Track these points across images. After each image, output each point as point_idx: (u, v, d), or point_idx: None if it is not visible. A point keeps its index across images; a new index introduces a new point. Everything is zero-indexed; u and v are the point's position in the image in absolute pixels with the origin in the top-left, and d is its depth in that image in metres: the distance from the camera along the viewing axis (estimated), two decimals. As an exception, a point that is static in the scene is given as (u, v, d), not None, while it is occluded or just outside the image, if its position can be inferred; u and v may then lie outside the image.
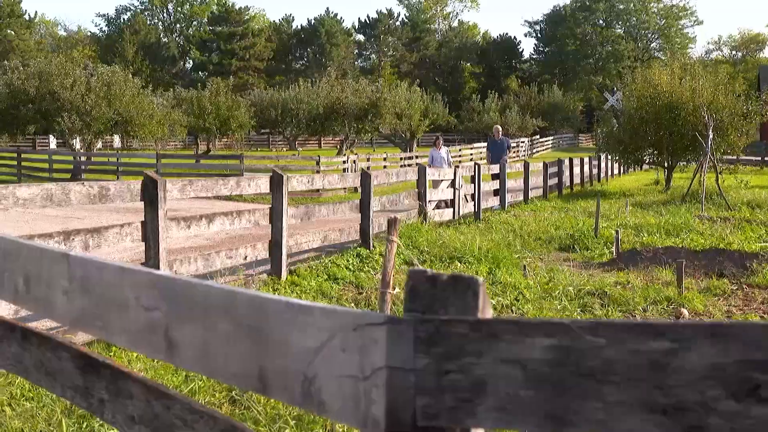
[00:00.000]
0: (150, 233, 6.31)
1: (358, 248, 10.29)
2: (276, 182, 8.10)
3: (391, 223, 4.10)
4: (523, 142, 55.18)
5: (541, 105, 68.46)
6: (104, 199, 5.94)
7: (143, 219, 6.36)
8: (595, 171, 30.54)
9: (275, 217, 8.13)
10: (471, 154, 43.45)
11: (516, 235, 12.40)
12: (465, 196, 14.88)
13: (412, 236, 11.42)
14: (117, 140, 52.23)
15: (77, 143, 32.66)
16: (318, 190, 20.57)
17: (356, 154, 33.53)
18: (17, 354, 2.41)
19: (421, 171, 12.78)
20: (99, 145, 35.93)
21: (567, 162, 24.82)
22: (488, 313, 1.33)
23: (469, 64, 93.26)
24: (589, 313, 7.59)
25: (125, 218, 14.88)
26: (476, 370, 1.25)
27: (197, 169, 29.03)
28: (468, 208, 15.13)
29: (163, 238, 6.34)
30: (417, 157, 37.16)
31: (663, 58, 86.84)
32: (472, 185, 15.30)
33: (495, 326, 1.25)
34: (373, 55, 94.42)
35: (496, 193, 17.50)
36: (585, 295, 8.19)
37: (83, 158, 29.99)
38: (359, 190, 10.97)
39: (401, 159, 36.69)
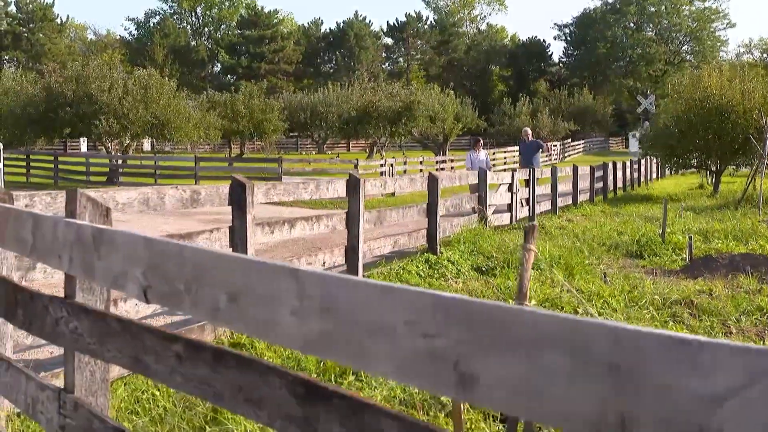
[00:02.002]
0: (238, 239, 6.09)
1: (426, 254, 10.02)
2: (352, 186, 7.87)
3: (529, 231, 3.83)
4: (555, 145, 54.68)
5: (571, 108, 67.92)
6: (195, 203, 5.74)
7: (231, 224, 6.14)
8: (635, 175, 30.09)
9: (351, 221, 7.90)
10: (504, 158, 43.12)
11: (579, 241, 12.07)
12: (521, 200, 14.58)
13: (476, 241, 11.14)
14: (147, 144, 52.42)
15: (110, 146, 32.71)
16: (393, 193, 20.91)
17: (393, 157, 33.26)
18: (206, 377, 2.17)
19: (482, 175, 12.49)
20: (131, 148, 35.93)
21: (611, 166, 24.44)
22: None
23: (497, 68, 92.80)
24: (680, 324, 7.27)
25: (185, 224, 14.75)
26: None
27: (234, 172, 28.87)
28: (522, 212, 14.83)
29: (251, 243, 6.12)
30: (453, 160, 36.88)
31: (694, 61, 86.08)
32: (527, 189, 15.00)
33: None
34: (401, 59, 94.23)
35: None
36: (672, 304, 7.87)
37: (119, 161, 30.01)
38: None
39: (436, 162, 36.44)
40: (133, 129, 30.17)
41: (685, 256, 10.75)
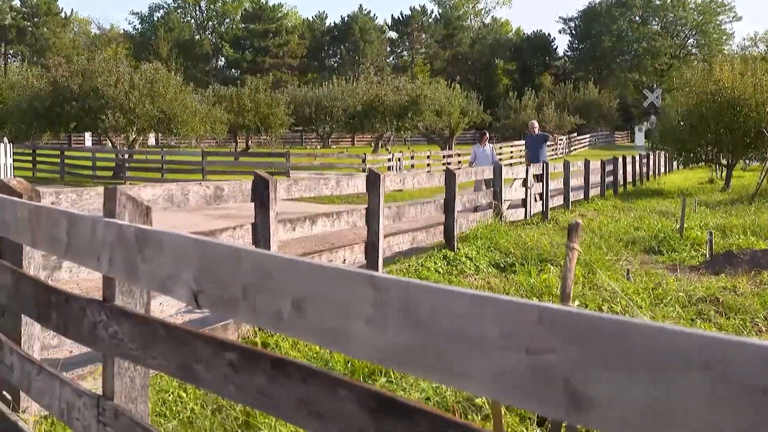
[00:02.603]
0: (261, 236, 5.97)
1: (444, 250, 9.90)
2: (372, 182, 7.74)
3: (573, 228, 3.71)
4: (561, 139, 54.47)
5: (576, 102, 67.69)
6: (218, 200, 5.62)
7: (254, 221, 6.02)
8: (644, 169, 29.93)
9: (371, 217, 7.77)
10: (511, 152, 42.90)
11: (596, 236, 11.93)
12: (534, 195, 14.44)
13: (492, 237, 11.02)
14: (152, 138, 52.22)
15: (116, 141, 32.56)
16: (401, 189, 20.55)
17: (401, 152, 33.14)
18: (264, 387, 2.05)
19: (497, 170, 12.36)
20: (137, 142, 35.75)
21: (620, 160, 24.29)
22: None
23: (502, 62, 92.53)
24: (708, 323, 7.14)
25: (194, 219, 14.58)
26: None
27: (241, 167, 28.76)
28: (536, 207, 14.70)
29: (274, 241, 6.00)
30: (459, 155, 36.76)
31: (700, 54, 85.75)
32: (540, 184, 14.86)
33: None
34: (405, 53, 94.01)
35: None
36: (697, 301, 7.74)
37: (126, 156, 29.90)
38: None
39: (443, 157, 36.29)
40: (139, 123, 29.99)
41: (704, 251, 10.61)
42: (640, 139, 65.74)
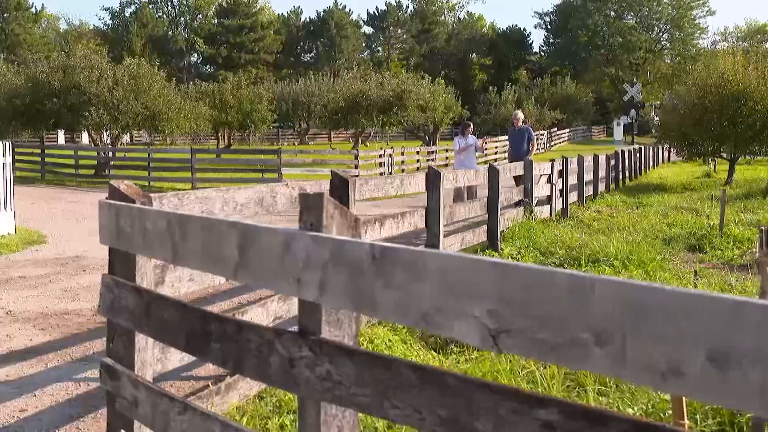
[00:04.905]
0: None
1: (488, 250, 9.44)
2: (432, 180, 7.27)
3: (765, 237, 3.25)
4: (543, 134, 54.27)
5: (554, 97, 67.57)
6: (301, 202, 5.09)
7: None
8: (638, 164, 29.74)
9: (431, 218, 7.29)
10: (496, 147, 42.57)
11: (629, 235, 11.53)
12: (558, 191, 14.04)
13: (529, 236, 10.59)
14: (126, 136, 51.10)
15: (84, 138, 31.70)
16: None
17: (392, 147, 32.67)
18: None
19: (528, 165, 11.93)
20: (107, 140, 34.84)
21: (620, 155, 24.03)
22: None
23: (478, 57, 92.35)
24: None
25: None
26: None
27: (232, 164, 28.10)
28: (558, 204, 14.30)
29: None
30: (447, 150, 36.40)
31: (674, 49, 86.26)
32: (560, 180, 14.47)
33: None
34: (380, 48, 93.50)
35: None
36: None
37: (111, 153, 29.12)
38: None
39: (428, 153, 35.97)
40: (123, 120, 29.18)
41: (750, 249, 10.24)
42: (618, 133, 65.88)
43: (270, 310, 4.81)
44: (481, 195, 11.47)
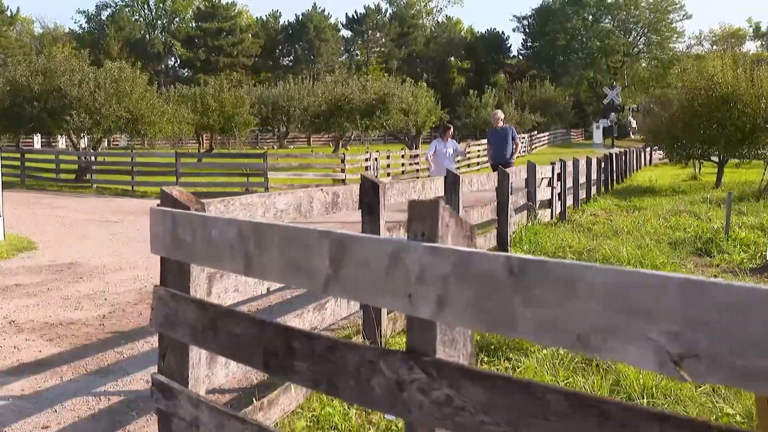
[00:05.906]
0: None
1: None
2: (451, 185, 7.08)
3: None
4: (524, 138, 54.29)
5: (533, 100, 67.70)
6: (335, 207, 4.89)
7: (361, 229, 5.30)
8: (623, 167, 29.77)
9: (450, 223, 7.09)
10: (478, 151, 42.44)
11: (635, 239, 11.41)
12: (557, 195, 13.92)
13: (536, 241, 10.42)
14: (105, 140, 50.47)
15: (61, 143, 31.19)
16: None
17: (377, 151, 32.45)
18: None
19: (531, 169, 11.77)
20: (84, 144, 34.28)
21: (610, 158, 24.01)
22: None
23: (456, 60, 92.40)
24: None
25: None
26: None
27: (217, 168, 27.79)
28: (557, 207, 14.17)
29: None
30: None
31: (652, 53, 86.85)
32: (558, 183, 14.34)
33: None
34: (359, 51, 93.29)
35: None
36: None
37: (93, 158, 28.66)
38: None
39: (411, 156, 35.82)
40: (105, 124, 28.73)
41: (759, 252, 10.15)
42: (598, 136, 66.11)
43: (306, 321, 4.59)
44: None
